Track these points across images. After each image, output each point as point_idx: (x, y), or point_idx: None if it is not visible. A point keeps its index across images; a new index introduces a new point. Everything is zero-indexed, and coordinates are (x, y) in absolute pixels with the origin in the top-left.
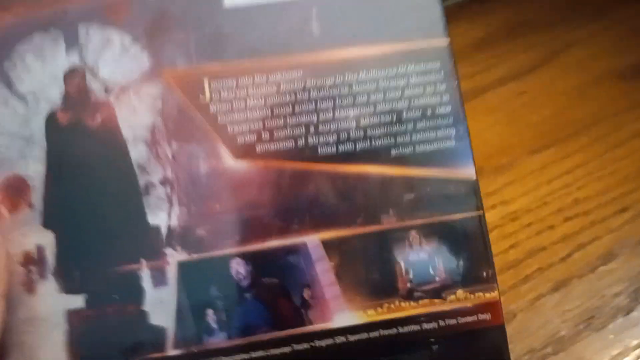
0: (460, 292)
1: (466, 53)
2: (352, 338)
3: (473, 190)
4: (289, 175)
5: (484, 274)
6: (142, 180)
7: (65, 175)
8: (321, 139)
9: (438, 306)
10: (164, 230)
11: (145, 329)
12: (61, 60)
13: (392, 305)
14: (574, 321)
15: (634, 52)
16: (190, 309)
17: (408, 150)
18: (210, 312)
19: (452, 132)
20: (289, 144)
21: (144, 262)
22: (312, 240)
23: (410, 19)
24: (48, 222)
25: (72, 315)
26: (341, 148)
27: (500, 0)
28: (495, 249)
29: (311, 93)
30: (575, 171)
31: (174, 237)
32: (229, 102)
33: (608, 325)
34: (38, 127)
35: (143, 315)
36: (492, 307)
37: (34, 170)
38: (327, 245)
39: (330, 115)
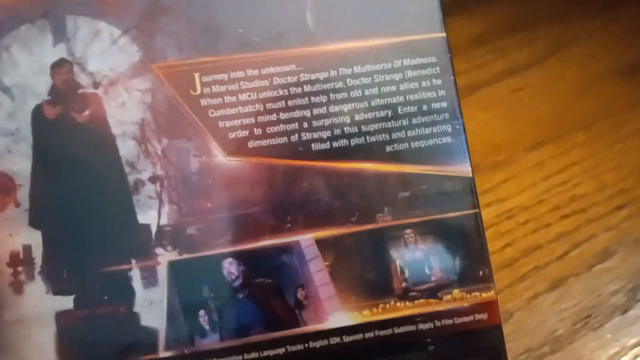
0: (456, 292)
1: (463, 48)
2: (347, 339)
3: (469, 188)
4: (282, 172)
5: (481, 273)
6: (131, 178)
7: (53, 172)
8: (315, 135)
9: (434, 306)
10: (154, 229)
11: (135, 330)
12: (48, 52)
13: (388, 306)
14: (571, 320)
15: (633, 50)
16: (182, 309)
17: (403, 146)
18: (202, 313)
19: (448, 128)
20: (282, 139)
21: (133, 262)
22: (306, 239)
23: (407, 13)
24: (35, 221)
25: (61, 317)
26: (335, 144)
27: None
28: (491, 247)
29: (305, 87)
30: (572, 168)
31: (165, 236)
32: (220, 96)
33: (605, 324)
34: (24, 122)
35: (133, 316)
36: (489, 306)
37: (20, 166)
38: (321, 244)
39: (324, 110)
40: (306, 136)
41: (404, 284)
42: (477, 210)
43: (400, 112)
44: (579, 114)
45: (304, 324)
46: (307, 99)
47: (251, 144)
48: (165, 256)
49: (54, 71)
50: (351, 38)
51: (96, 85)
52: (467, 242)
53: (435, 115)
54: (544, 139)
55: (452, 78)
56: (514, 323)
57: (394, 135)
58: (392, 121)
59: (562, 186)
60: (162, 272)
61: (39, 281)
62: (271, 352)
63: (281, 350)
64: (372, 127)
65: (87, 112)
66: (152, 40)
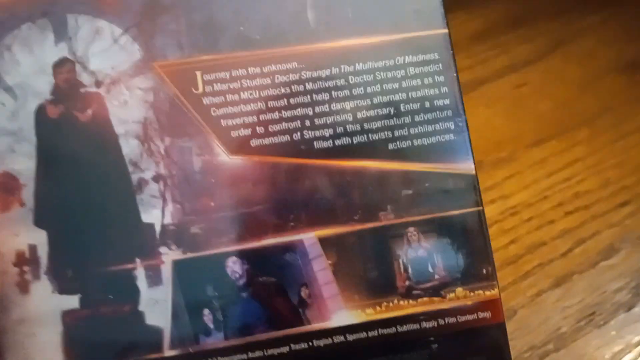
0: (459, 290)
1: (464, 44)
2: (350, 337)
3: (472, 185)
4: (285, 170)
5: (484, 271)
6: (134, 177)
7: (56, 172)
8: (317, 133)
9: (437, 304)
10: (157, 228)
11: (140, 329)
12: (50, 51)
13: (391, 304)
14: (575, 317)
15: (635, 45)
16: (186, 308)
17: (406, 144)
18: (206, 312)
19: (451, 125)
20: (284, 138)
21: (138, 261)
22: (309, 237)
23: (408, 9)
24: (40, 221)
25: (67, 316)
26: (337, 142)
27: None
28: (494, 244)
29: (307, 85)
30: (575, 164)
31: (168, 235)
32: (222, 94)
33: (609, 322)
34: (27, 121)
35: (138, 315)
36: (492, 305)
37: (24, 166)
38: (324, 242)
39: (327, 108)
40: (308, 134)
41: (407, 282)
42: (480, 208)
43: (402, 110)
44: (582, 110)
45: (307, 322)
46: (309, 96)
47: (254, 142)
48: (169, 255)
49: (56, 70)
50: (353, 35)
51: (98, 84)
52: (470, 240)
53: (437, 113)
54: (547, 135)
55: (455, 75)
56: (517, 320)
57: (396, 133)
58: (395, 119)
59: (565, 183)
60: (167, 271)
61: (45, 280)
62: (275, 351)
63: (285, 349)
64: (375, 124)
65: (89, 111)
66: (152, 38)
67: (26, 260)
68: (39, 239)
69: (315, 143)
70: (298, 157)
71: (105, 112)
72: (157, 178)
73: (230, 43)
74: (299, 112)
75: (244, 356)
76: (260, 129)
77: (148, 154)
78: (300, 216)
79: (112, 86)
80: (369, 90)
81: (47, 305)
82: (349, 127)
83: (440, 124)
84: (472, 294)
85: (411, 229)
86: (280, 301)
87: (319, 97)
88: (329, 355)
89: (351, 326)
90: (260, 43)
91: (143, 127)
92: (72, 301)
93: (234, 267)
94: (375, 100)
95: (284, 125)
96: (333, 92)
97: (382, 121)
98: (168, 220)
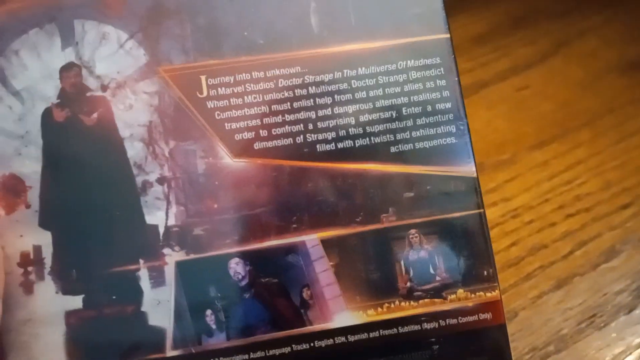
0: (460, 292)
1: (466, 47)
2: (352, 338)
3: (474, 188)
4: (288, 173)
5: (485, 273)
6: (139, 179)
7: (62, 174)
8: (320, 136)
9: (438, 306)
10: (161, 230)
11: (143, 329)
12: (57, 56)
13: (392, 305)
14: (576, 319)
15: (637, 46)
16: (189, 309)
17: (408, 147)
18: (209, 313)
19: (453, 128)
20: (287, 141)
21: (141, 262)
22: (311, 239)
23: (410, 14)
24: (45, 222)
25: (70, 316)
26: (340, 145)
27: None
28: (496, 246)
29: (310, 89)
30: (577, 167)
31: (172, 237)
32: (226, 98)
33: (610, 323)
34: (34, 125)
35: (141, 315)
36: (493, 306)
37: (30, 168)
38: (326, 244)
39: (329, 111)
40: (311, 137)
41: (408, 284)
42: (482, 210)
43: (404, 113)
44: (583, 111)
45: (309, 323)
46: (312, 100)
47: (257, 145)
48: (172, 256)
49: (63, 75)
50: (355, 40)
51: (104, 88)
52: (471, 242)
53: (439, 116)
54: (548, 137)
55: (456, 79)
56: (519, 322)
57: (398, 136)
58: (397, 122)
59: (567, 185)
60: (170, 272)
61: (49, 281)
62: (277, 351)
63: (287, 350)
64: (377, 128)
65: (95, 115)
66: (158, 43)
67: (31, 261)
68: (44, 240)
69: (317, 146)
70: (301, 160)
71: (111, 115)
72: (161, 180)
73: (234, 48)
74: (302, 115)
75: (246, 357)
76: (263, 132)
77: (153, 156)
78: (303, 218)
79: (118, 90)
80: (371, 94)
81: (51, 306)
82: (352, 131)
83: (442, 127)
84: (473, 295)
85: (413, 231)
86: (282, 302)
87: (322, 100)
88: (331, 356)
89: (353, 327)
90: (264, 48)
91: (148, 131)
92: (76, 302)
93: (237, 268)
94: (378, 104)
95: (287, 128)
96: (336, 96)
97: (384, 124)
98: (172, 221)
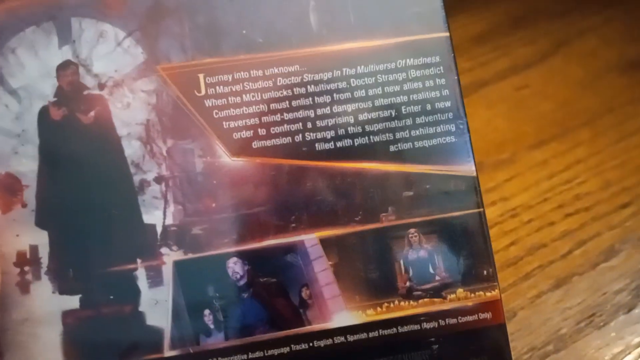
0: (460, 291)
1: (465, 47)
2: (351, 338)
3: (473, 187)
4: (286, 172)
5: (485, 272)
6: (136, 178)
7: (59, 173)
8: (319, 135)
9: (438, 305)
10: (159, 229)
11: (141, 329)
12: (54, 54)
13: (392, 305)
14: (575, 319)
15: (636, 46)
16: (187, 309)
17: (407, 146)
18: (207, 312)
19: (452, 127)
20: (286, 140)
21: (139, 261)
22: (310, 238)
23: (410, 12)
24: (41, 221)
25: (67, 316)
26: (339, 144)
27: None
28: (495, 246)
29: (308, 88)
30: (576, 166)
31: (170, 236)
32: (224, 97)
33: (609, 323)
34: (30, 123)
35: (139, 315)
36: (493, 306)
37: (27, 167)
38: (325, 243)
39: (328, 110)
40: (310, 136)
41: (408, 284)
42: (481, 209)
43: (403, 112)
44: (582, 111)
45: (308, 323)
46: (310, 99)
47: (255, 144)
48: (170, 256)
49: (60, 73)
50: (354, 38)
51: (101, 86)
52: (471, 242)
53: (439, 115)
54: (548, 136)
55: (456, 77)
56: (518, 322)
57: (397, 135)
58: (396, 121)
59: (566, 184)
60: (168, 271)
61: (46, 281)
62: (276, 351)
63: (286, 349)
64: (376, 126)
65: (92, 114)
66: (156, 41)
67: (27, 260)
68: (40, 239)
69: (316, 145)
70: (299, 159)
71: (108, 114)
72: (159, 179)
73: (233, 46)
74: (300, 114)
75: (245, 357)
76: (262, 131)
77: (150, 155)
78: (302, 217)
79: (115, 89)
80: (370, 92)
81: (47, 306)
82: (351, 129)
83: (441, 126)
84: (472, 295)
85: (412, 230)
86: (281, 302)
87: (321, 99)
88: (330, 356)
89: (352, 327)
90: (263, 46)
91: (145, 129)
92: (73, 301)
93: (235, 268)
94: (377, 103)
95: (286, 127)
96: (335, 95)
97: (384, 123)
98: (169, 221)
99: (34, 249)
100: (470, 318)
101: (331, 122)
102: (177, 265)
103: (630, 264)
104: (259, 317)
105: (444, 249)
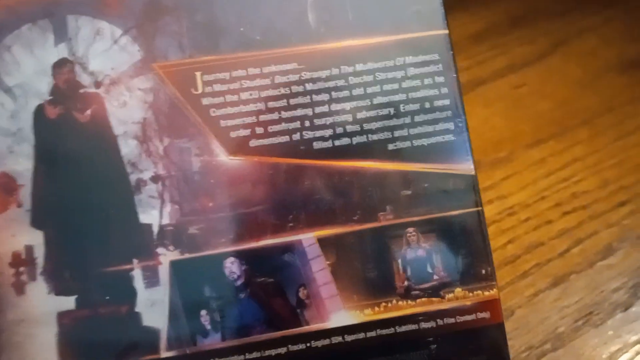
0: (458, 291)
1: (464, 45)
2: (349, 338)
3: (472, 186)
4: (284, 171)
5: (483, 271)
6: (133, 177)
7: (54, 172)
8: (316, 134)
9: (436, 305)
10: (155, 229)
11: (137, 330)
12: (50, 52)
13: (390, 304)
14: (572, 317)
15: (635, 45)
16: (184, 309)
17: (405, 144)
18: (204, 313)
19: (451, 125)
20: (284, 138)
21: (135, 261)
22: (308, 238)
23: (409, 10)
24: (37, 221)
25: (63, 317)
26: (337, 143)
27: None
28: (493, 244)
29: (306, 86)
30: (573, 165)
31: (166, 236)
32: (221, 95)
33: (607, 321)
34: (26, 122)
35: (135, 316)
36: (491, 305)
37: (22, 166)
38: (323, 243)
39: (326, 108)
40: (308, 135)
41: (406, 283)
42: (480, 208)
43: (402, 110)
44: (581, 110)
45: (305, 323)
46: (308, 97)
47: (253, 143)
48: (167, 256)
49: (56, 71)
50: (353, 36)
51: (97, 84)
52: (469, 241)
53: (437, 113)
54: (546, 135)
55: (455, 75)
56: (515, 320)
57: (396, 134)
58: (394, 119)
59: (563, 183)
60: (164, 271)
61: (41, 281)
62: (273, 352)
63: (283, 350)
64: (374, 125)
65: (88, 112)
66: (153, 39)
67: (22, 261)
68: (36, 239)
69: (314, 143)
70: (297, 158)
71: (104, 112)
72: (155, 178)
73: (231, 44)
74: (298, 112)
75: (242, 357)
76: (259, 130)
77: (147, 154)
78: (299, 216)
79: (112, 87)
80: (368, 90)
81: (43, 306)
82: (349, 128)
83: (440, 124)
84: (471, 294)
85: (410, 229)
86: (278, 302)
87: (319, 97)
88: (327, 356)
89: (350, 327)
90: (261, 44)
91: (142, 128)
92: (69, 302)
93: (232, 268)
94: (375, 101)
95: (284, 125)
96: (333, 93)
97: (382, 122)
98: (166, 220)
99: (29, 249)
100: (468, 317)
101: (329, 120)
102: (174, 265)
103: (627, 263)
104: (256, 317)
105: (442, 248)
